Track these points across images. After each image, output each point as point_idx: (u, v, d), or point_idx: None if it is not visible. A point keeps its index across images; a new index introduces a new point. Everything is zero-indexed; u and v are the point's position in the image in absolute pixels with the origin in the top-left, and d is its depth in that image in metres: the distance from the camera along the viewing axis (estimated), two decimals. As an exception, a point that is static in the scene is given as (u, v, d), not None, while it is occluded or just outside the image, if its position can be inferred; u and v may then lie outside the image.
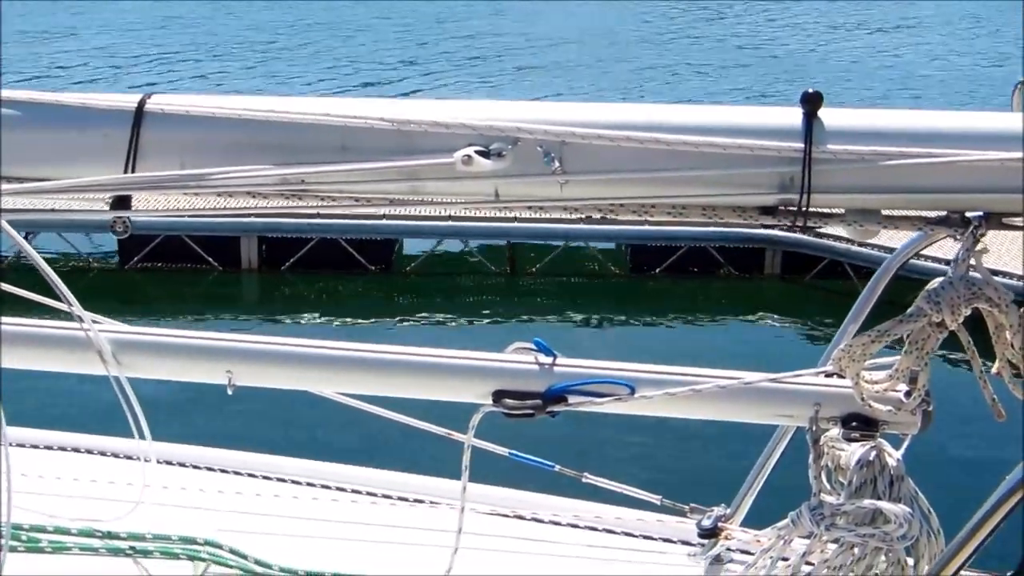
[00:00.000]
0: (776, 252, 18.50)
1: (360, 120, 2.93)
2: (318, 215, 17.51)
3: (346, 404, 3.76)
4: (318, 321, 17.24)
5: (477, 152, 2.87)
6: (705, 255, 18.55)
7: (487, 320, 17.25)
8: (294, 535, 3.92)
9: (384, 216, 17.93)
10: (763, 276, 18.57)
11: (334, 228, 18.17)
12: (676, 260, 18.54)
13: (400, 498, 4.25)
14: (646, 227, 17.76)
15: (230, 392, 3.29)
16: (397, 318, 17.42)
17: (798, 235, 17.31)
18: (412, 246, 19.50)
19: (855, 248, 16.40)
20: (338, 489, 4.28)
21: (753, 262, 18.60)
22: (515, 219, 17.99)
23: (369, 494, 4.27)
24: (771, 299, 18.07)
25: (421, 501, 4.21)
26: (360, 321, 17.22)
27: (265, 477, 4.37)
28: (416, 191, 3.02)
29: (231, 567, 3.61)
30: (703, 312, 17.67)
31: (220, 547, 3.65)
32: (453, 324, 17.19)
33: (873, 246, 15.35)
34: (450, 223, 18.27)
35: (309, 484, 4.32)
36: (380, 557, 3.78)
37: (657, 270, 18.65)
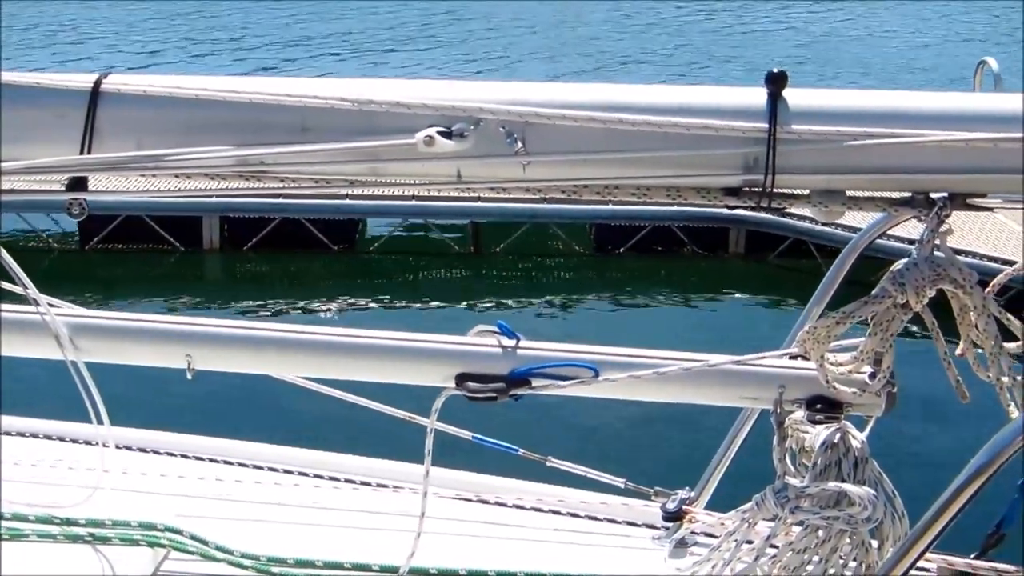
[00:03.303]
0: (740, 231, 18.53)
1: (320, 100, 2.90)
2: (281, 195, 17.37)
3: (308, 388, 3.73)
4: (280, 301, 17.16)
5: (439, 133, 2.84)
6: (669, 234, 18.56)
7: (451, 300, 17.21)
8: (256, 520, 3.89)
9: (347, 196, 17.84)
10: (727, 255, 18.61)
11: (297, 208, 18.08)
12: (640, 239, 18.55)
13: (363, 482, 4.22)
14: (610, 207, 17.75)
15: (190, 376, 3.26)
16: (360, 299, 17.35)
17: (762, 214, 17.31)
18: (375, 226, 19.42)
19: (819, 227, 16.43)
20: (300, 474, 4.25)
21: (717, 241, 18.63)
22: (479, 199, 17.92)
23: (332, 479, 4.24)
24: (735, 278, 18.11)
25: (384, 485, 4.18)
26: (323, 301, 17.14)
27: (227, 462, 4.33)
28: (377, 172, 2.99)
29: (191, 552, 3.58)
30: (667, 291, 17.68)
31: (180, 533, 3.61)
32: (417, 305, 17.14)
33: (838, 225, 15.37)
34: (414, 203, 18.21)
35: (271, 469, 4.28)
36: (342, 542, 3.76)
37: (621, 249, 18.65)
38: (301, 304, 16.99)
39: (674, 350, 3.29)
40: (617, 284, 18.00)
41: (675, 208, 17.66)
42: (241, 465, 4.32)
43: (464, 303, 16.97)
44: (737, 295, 17.62)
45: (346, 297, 17.38)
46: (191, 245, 18.63)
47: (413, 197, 18.01)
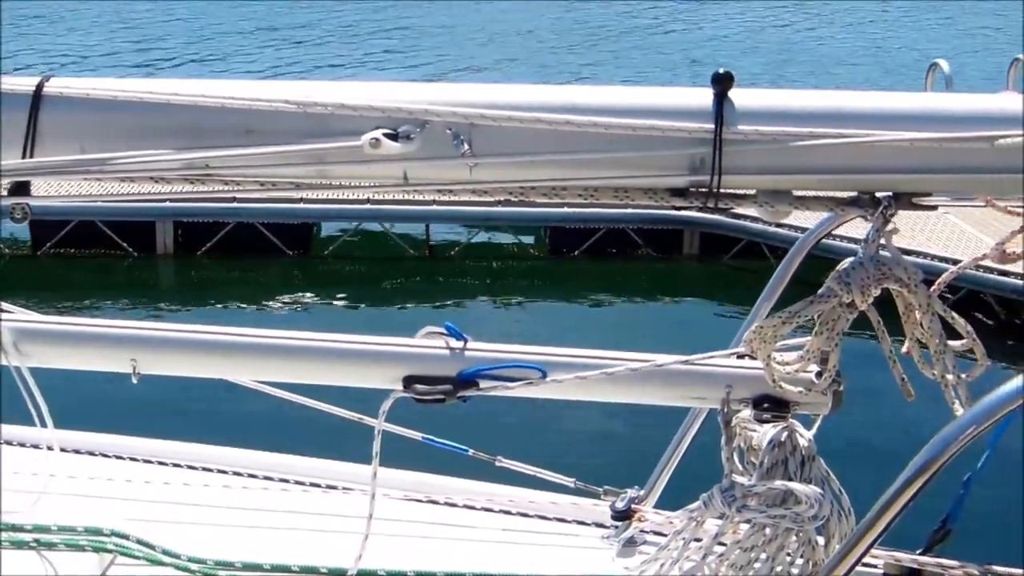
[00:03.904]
0: (694, 233, 18.57)
1: (265, 103, 2.89)
2: (235, 199, 17.33)
3: (258, 390, 3.72)
4: (235, 306, 17.07)
5: (385, 135, 2.84)
6: (624, 237, 18.58)
7: (406, 304, 17.18)
8: (204, 523, 3.86)
9: (301, 200, 17.76)
10: (682, 257, 18.64)
11: (251, 212, 17.95)
12: (595, 242, 18.55)
13: (312, 484, 4.21)
14: (565, 209, 17.75)
15: (135, 380, 3.25)
16: (315, 302, 17.28)
17: (716, 216, 17.39)
18: (330, 229, 19.35)
19: (772, 229, 16.50)
20: (250, 476, 4.23)
21: (672, 243, 18.65)
22: (434, 202, 17.93)
23: (281, 480, 4.23)
24: (690, 280, 18.17)
25: (334, 487, 4.17)
26: (278, 305, 17.08)
27: (175, 465, 4.31)
28: (323, 175, 2.99)
29: (138, 557, 3.55)
30: (622, 294, 17.70)
31: (127, 537, 3.59)
32: (371, 308, 17.09)
33: (790, 227, 15.45)
34: (368, 206, 18.12)
35: (220, 471, 4.26)
36: (291, 544, 3.74)
37: (576, 252, 18.66)
38: (256, 308, 16.91)
39: (622, 350, 3.30)
40: (572, 287, 18.01)
41: (630, 211, 17.72)
42: (190, 468, 4.30)
43: (419, 306, 16.94)
44: (691, 297, 17.68)
45: (301, 301, 17.32)
46: (144, 250, 18.48)
47: (368, 201, 17.93)
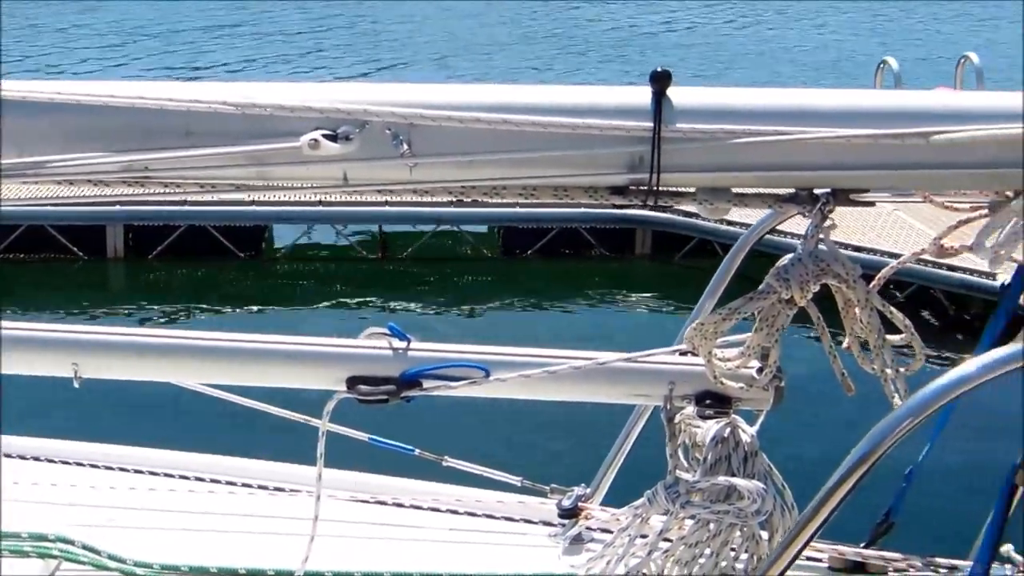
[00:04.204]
0: (647, 232, 18.62)
1: (204, 104, 2.88)
2: (186, 202, 17.24)
3: (203, 392, 3.70)
4: (187, 309, 16.99)
5: (324, 136, 2.84)
6: (576, 236, 18.61)
7: (359, 306, 17.13)
8: (150, 528, 3.85)
9: (253, 202, 17.70)
10: (634, 256, 18.69)
11: (202, 215, 17.83)
12: (548, 242, 18.56)
13: (260, 486, 4.20)
14: (517, 209, 17.75)
15: (77, 385, 3.23)
16: (267, 305, 17.21)
17: (668, 215, 17.45)
18: (282, 232, 19.28)
19: (724, 227, 16.54)
20: (197, 479, 4.21)
21: (624, 243, 18.69)
22: (386, 203, 17.88)
23: (228, 483, 4.21)
24: (642, 279, 18.20)
25: (281, 489, 4.16)
26: (230, 308, 17.00)
27: (121, 469, 4.28)
28: (263, 176, 2.98)
29: (83, 563, 3.54)
30: (575, 294, 17.72)
31: (72, 543, 3.57)
32: (324, 310, 17.02)
33: (742, 224, 15.45)
34: (320, 208, 18.07)
35: (167, 475, 4.24)
36: (237, 547, 3.73)
37: (529, 252, 18.67)
38: (208, 311, 16.83)
39: (569, 349, 3.32)
40: (525, 287, 18.03)
41: (582, 210, 17.74)
42: (136, 472, 4.27)
43: (371, 307, 16.91)
44: (643, 296, 17.71)
45: (253, 303, 17.25)
46: (95, 254, 18.33)
47: (320, 203, 17.88)
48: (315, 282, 18.31)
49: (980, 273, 14.47)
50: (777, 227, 3.76)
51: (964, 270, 14.77)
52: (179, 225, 18.12)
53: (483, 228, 19.25)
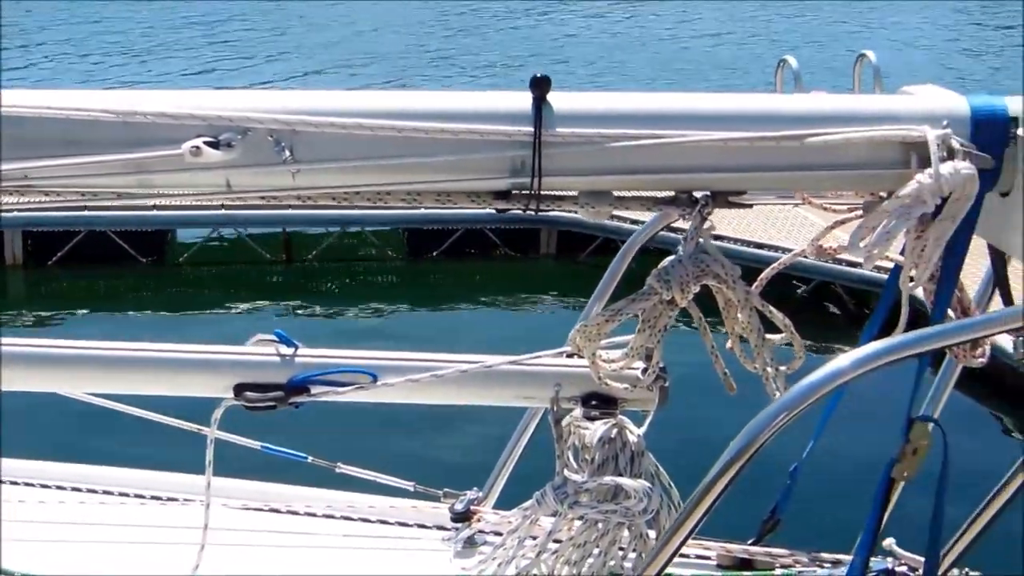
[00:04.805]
0: (552, 232, 18.71)
1: (84, 112, 2.85)
2: (85, 207, 16.92)
3: (91, 402, 3.67)
4: (87, 317, 16.75)
5: (206, 143, 2.83)
6: (482, 237, 18.65)
7: (263, 310, 17.01)
8: (40, 540, 3.80)
9: (155, 207, 17.52)
10: (539, 256, 18.77)
11: (103, 220, 17.57)
12: (453, 243, 18.58)
13: (153, 497, 4.17)
14: (423, 210, 17.71)
15: None
16: (170, 311, 17.03)
17: (573, 215, 17.47)
18: (185, 236, 19.09)
19: (627, 226, 16.60)
20: (89, 491, 4.17)
21: (529, 243, 18.77)
22: (290, 206, 17.70)
23: (121, 494, 4.17)
24: (547, 279, 18.27)
25: (174, 499, 4.14)
26: (132, 315, 16.80)
27: (12, 482, 4.23)
28: (145, 184, 2.96)
29: None
30: (480, 294, 17.75)
31: None
32: (228, 316, 16.87)
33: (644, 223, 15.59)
34: (224, 211, 17.87)
35: (58, 487, 4.19)
36: (128, 558, 3.70)
37: (435, 253, 18.67)
38: (109, 318, 16.60)
39: (465, 351, 3.33)
40: (430, 288, 18.04)
41: (487, 211, 17.63)
42: (27, 484, 4.22)
43: (274, 311, 16.81)
44: (548, 295, 17.79)
45: (155, 309, 17.06)
46: (-7, 261, 18.08)
47: (223, 206, 17.70)
48: (220, 286, 18.15)
49: (880, 269, 14.65)
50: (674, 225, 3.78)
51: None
52: (79, 231, 17.89)
53: (388, 229, 19.18)
